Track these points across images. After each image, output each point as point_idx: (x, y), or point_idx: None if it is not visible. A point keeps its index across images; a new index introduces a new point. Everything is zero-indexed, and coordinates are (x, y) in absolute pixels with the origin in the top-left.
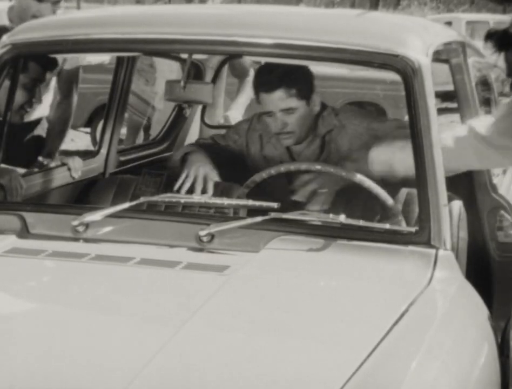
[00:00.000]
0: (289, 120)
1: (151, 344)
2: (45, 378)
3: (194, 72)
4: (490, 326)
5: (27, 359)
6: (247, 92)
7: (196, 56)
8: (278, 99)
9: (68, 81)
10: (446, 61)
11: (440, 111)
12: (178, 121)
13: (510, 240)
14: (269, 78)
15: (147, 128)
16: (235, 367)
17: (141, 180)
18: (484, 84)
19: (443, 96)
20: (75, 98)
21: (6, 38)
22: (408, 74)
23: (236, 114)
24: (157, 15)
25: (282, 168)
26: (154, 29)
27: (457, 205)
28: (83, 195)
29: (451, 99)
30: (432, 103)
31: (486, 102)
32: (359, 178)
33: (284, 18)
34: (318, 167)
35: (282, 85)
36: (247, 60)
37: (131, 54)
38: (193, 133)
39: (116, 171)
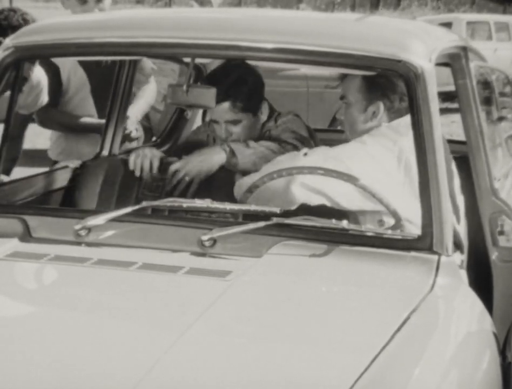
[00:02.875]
0: (234, 130)
1: (154, 349)
2: (47, 383)
3: (196, 74)
4: (491, 332)
5: (30, 363)
6: (146, 97)
7: (199, 59)
8: (224, 111)
9: (21, 125)
10: (448, 65)
11: (441, 111)
12: (179, 123)
13: (511, 245)
14: (216, 89)
15: (148, 130)
16: (239, 372)
17: (143, 184)
18: (486, 86)
19: (443, 96)
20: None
21: (8, 40)
22: (411, 79)
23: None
24: (160, 19)
25: (284, 173)
26: (156, 33)
27: None
28: (84, 197)
29: (451, 99)
30: (435, 108)
31: (488, 105)
32: (361, 183)
33: (286, 22)
34: (321, 172)
35: (229, 99)
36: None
37: (133, 58)
38: None
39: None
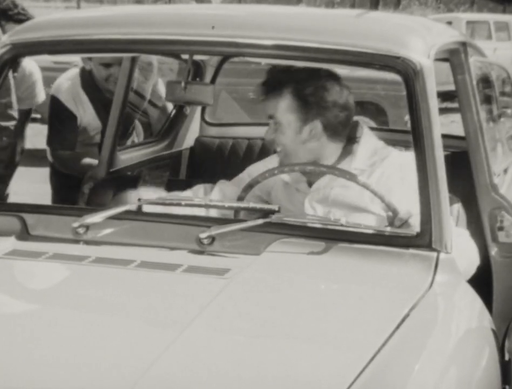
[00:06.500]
0: None
1: (154, 347)
2: (47, 380)
3: (195, 70)
4: (491, 329)
5: (29, 362)
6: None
7: (198, 56)
8: None
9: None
10: (447, 60)
11: (441, 111)
12: (178, 119)
13: (511, 241)
14: None
15: (147, 126)
16: (238, 370)
17: (141, 181)
18: (485, 81)
19: (443, 96)
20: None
21: (6, 37)
22: (410, 76)
23: None
24: (158, 15)
25: (286, 169)
26: (154, 30)
27: (456, 206)
28: (83, 194)
29: (451, 99)
30: (434, 104)
31: (487, 100)
32: (363, 181)
33: (285, 19)
34: (323, 169)
35: None
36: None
37: (132, 54)
38: (193, 131)
39: (117, 169)
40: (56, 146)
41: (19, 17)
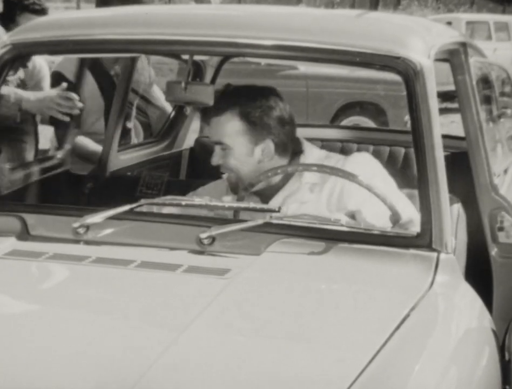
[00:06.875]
0: None
1: (153, 348)
2: (47, 380)
3: (195, 71)
4: (491, 329)
5: (29, 361)
6: None
7: (198, 56)
8: None
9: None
10: (447, 61)
11: (441, 111)
12: (178, 119)
13: (511, 241)
14: None
15: (147, 127)
16: (238, 370)
17: (142, 182)
18: (485, 82)
19: (443, 96)
20: None
21: (6, 37)
22: (410, 76)
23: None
24: (158, 15)
25: (279, 171)
26: (155, 30)
27: (456, 206)
28: (83, 194)
29: (451, 99)
30: (434, 105)
31: (487, 101)
32: (366, 184)
33: (285, 19)
34: (327, 170)
35: None
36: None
37: (132, 55)
38: (193, 131)
39: (117, 169)
40: (61, 125)
41: (35, 7)
